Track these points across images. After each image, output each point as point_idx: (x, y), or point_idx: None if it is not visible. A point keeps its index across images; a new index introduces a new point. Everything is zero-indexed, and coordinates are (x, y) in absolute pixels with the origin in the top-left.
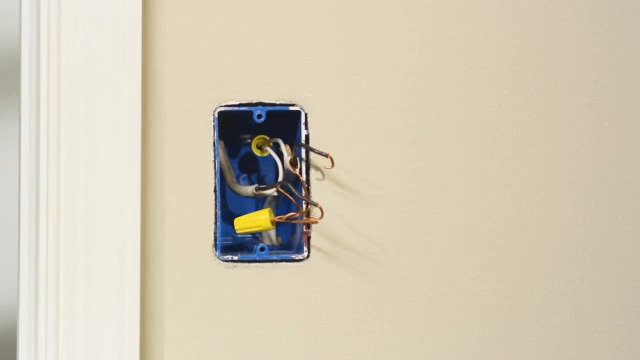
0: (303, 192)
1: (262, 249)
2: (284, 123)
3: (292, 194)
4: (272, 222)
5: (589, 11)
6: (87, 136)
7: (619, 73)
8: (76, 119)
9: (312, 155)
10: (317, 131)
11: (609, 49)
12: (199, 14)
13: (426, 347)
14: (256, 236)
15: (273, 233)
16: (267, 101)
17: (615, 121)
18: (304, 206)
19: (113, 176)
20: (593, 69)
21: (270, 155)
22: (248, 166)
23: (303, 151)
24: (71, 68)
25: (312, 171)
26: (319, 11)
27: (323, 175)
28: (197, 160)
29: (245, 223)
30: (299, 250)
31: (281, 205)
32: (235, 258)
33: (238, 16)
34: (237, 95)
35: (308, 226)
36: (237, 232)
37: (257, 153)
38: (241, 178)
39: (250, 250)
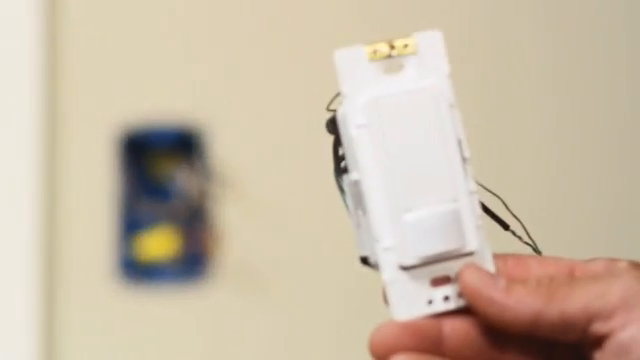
0: (209, 216)
1: (166, 272)
2: (191, 144)
3: (201, 218)
4: (176, 246)
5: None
6: None
7: (618, 73)
8: None
9: (218, 177)
10: (222, 152)
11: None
12: (104, 35)
13: None
14: (160, 259)
15: (179, 256)
16: (174, 122)
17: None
18: (210, 229)
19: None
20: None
21: (178, 177)
22: (156, 188)
23: (208, 173)
24: None
25: (219, 194)
26: (221, 33)
27: (229, 198)
28: (97, 185)
29: (149, 246)
30: (204, 273)
31: (189, 227)
32: (139, 282)
33: (140, 38)
34: (143, 116)
35: (213, 249)
36: (140, 256)
37: (162, 175)
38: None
39: (154, 273)
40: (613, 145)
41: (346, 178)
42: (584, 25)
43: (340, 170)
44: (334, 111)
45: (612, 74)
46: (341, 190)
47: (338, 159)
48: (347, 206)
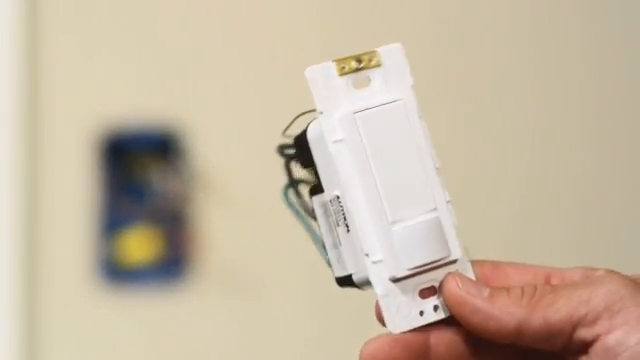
0: (190, 218)
1: (147, 274)
2: (172, 146)
3: (182, 220)
4: (157, 248)
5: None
6: None
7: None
8: None
9: (200, 180)
10: (204, 154)
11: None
12: (84, 37)
13: None
14: (141, 261)
15: (160, 258)
16: (156, 123)
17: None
18: (191, 231)
19: None
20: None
21: (158, 179)
22: (137, 190)
23: (190, 175)
24: None
25: (200, 196)
26: (202, 35)
27: (211, 200)
28: (78, 186)
29: (130, 248)
30: (185, 275)
31: (170, 229)
32: (120, 283)
33: (121, 40)
34: (124, 117)
35: (194, 252)
36: (121, 258)
37: (144, 176)
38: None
39: (135, 275)
40: (583, 153)
41: (317, 199)
42: (554, 36)
43: (298, 191)
44: (291, 136)
45: (586, 92)
46: (310, 214)
47: (293, 181)
48: (308, 229)
